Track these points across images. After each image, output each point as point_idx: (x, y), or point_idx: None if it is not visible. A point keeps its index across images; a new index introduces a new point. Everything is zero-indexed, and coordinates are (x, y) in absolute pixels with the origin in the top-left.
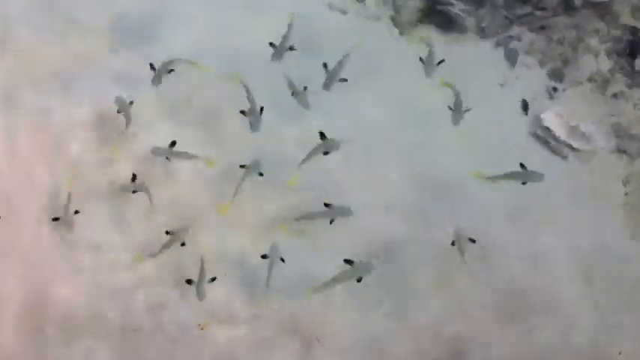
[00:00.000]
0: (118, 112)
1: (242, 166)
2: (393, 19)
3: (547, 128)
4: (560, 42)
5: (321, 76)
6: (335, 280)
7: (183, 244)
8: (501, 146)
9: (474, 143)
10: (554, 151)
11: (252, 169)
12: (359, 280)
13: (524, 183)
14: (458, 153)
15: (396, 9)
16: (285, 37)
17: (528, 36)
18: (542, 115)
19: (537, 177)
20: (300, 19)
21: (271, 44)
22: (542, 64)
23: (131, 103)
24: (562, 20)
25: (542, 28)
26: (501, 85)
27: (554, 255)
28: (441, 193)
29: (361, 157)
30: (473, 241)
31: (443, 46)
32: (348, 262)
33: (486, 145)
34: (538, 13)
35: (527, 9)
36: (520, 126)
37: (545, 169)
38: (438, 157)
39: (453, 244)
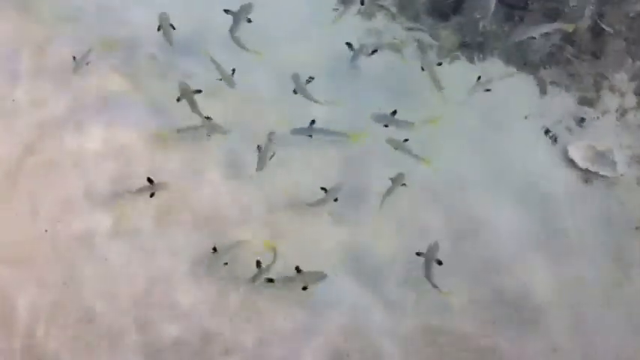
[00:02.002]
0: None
1: None
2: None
3: (572, 158)
4: (587, 73)
5: None
6: None
7: None
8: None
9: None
10: (580, 178)
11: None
12: None
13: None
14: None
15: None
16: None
17: (555, 68)
18: (569, 146)
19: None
20: None
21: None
22: (569, 94)
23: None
24: (589, 51)
25: (569, 61)
26: (527, 115)
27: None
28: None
29: None
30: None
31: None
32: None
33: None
34: (566, 47)
35: (554, 42)
36: (545, 154)
37: (570, 195)
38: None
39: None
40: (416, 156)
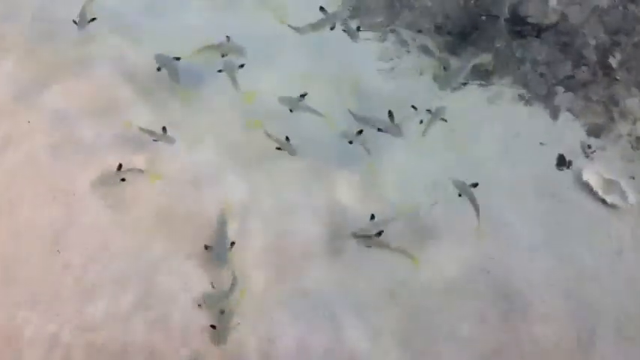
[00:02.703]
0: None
1: None
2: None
3: (587, 184)
4: (599, 101)
5: None
6: None
7: None
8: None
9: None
10: (591, 206)
11: None
12: None
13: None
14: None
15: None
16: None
17: (568, 94)
18: (582, 173)
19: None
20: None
21: None
22: (581, 121)
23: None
24: (601, 79)
25: (584, 85)
26: (541, 142)
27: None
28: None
29: None
30: None
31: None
32: None
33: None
34: (578, 73)
35: (567, 69)
36: (559, 181)
37: (585, 223)
38: None
39: None
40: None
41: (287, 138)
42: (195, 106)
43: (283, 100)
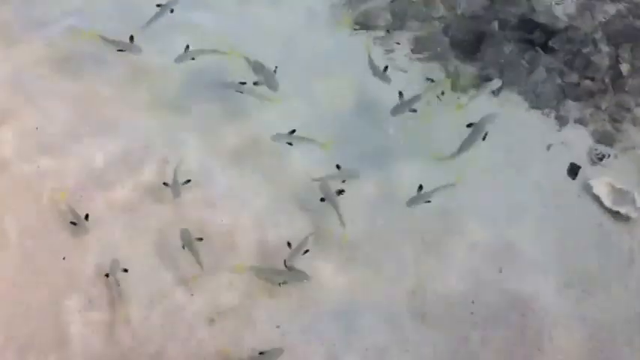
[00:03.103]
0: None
1: None
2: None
3: (596, 195)
4: (608, 109)
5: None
6: None
7: None
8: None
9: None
10: (601, 216)
11: None
12: None
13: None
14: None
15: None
16: None
17: (576, 102)
18: (591, 182)
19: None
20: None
21: None
22: (589, 129)
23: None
24: (610, 87)
25: (593, 93)
26: (548, 149)
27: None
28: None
29: None
30: None
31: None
32: None
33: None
34: (586, 82)
35: (574, 78)
36: (567, 190)
37: (591, 233)
38: None
39: None
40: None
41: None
42: None
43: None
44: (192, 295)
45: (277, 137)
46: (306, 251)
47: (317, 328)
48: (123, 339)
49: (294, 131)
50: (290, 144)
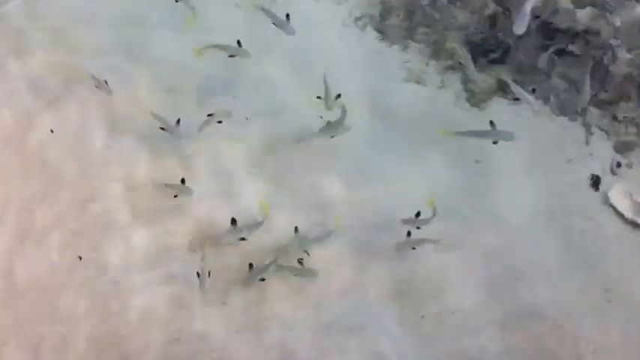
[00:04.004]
0: None
1: None
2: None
3: (613, 205)
4: (629, 118)
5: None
6: None
7: None
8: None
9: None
10: (621, 227)
11: None
12: None
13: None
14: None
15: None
16: None
17: (596, 111)
18: (610, 193)
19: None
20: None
21: None
22: (609, 139)
23: None
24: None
25: (612, 102)
26: (569, 160)
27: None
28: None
29: None
30: None
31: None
32: None
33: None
34: (607, 88)
35: (596, 84)
36: (587, 200)
37: (611, 244)
38: None
39: None
40: None
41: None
42: None
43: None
44: None
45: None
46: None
47: None
48: None
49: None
50: None
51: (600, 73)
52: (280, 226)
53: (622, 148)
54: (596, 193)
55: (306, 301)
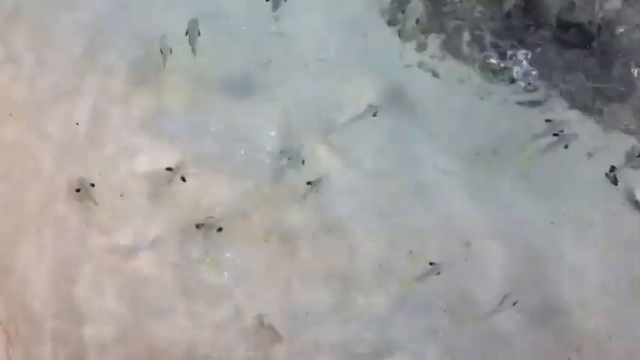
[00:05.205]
0: None
1: None
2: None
3: (638, 200)
4: None
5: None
6: None
7: None
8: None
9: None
10: None
11: None
12: None
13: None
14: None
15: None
16: None
17: (615, 104)
18: (635, 189)
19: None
20: None
21: None
22: (633, 134)
23: None
24: None
25: (633, 94)
26: (590, 154)
27: None
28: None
29: None
30: None
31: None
32: None
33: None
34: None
35: (616, 78)
36: (610, 195)
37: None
38: None
39: None
40: None
41: None
42: None
43: None
44: None
45: None
46: None
47: None
48: None
49: None
50: None
51: (620, 65)
52: None
53: None
54: (618, 189)
55: None
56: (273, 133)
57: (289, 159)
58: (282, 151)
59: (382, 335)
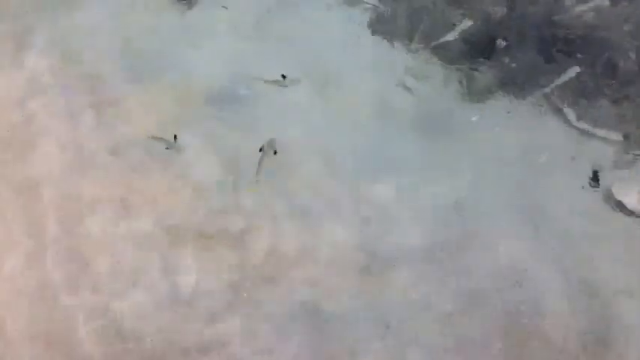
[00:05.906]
0: None
1: None
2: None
3: (619, 200)
4: (634, 112)
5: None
6: None
7: None
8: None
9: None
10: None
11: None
12: None
13: None
14: None
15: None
16: None
17: (600, 105)
18: (613, 189)
19: None
20: None
21: None
22: (614, 134)
23: None
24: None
25: (618, 95)
26: (573, 157)
27: None
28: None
29: None
30: None
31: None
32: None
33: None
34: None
35: (601, 79)
36: (590, 196)
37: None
38: None
39: None
40: None
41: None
42: None
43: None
44: None
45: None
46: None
47: None
48: None
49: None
50: None
51: (605, 66)
52: None
53: (629, 142)
54: (599, 190)
55: None
56: None
57: None
58: None
59: None
